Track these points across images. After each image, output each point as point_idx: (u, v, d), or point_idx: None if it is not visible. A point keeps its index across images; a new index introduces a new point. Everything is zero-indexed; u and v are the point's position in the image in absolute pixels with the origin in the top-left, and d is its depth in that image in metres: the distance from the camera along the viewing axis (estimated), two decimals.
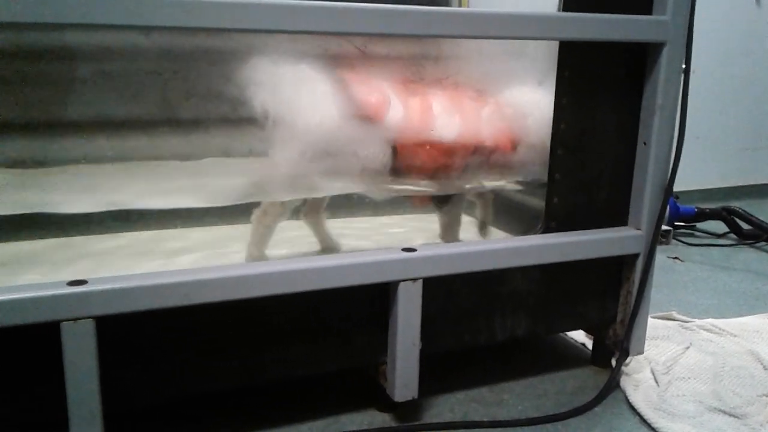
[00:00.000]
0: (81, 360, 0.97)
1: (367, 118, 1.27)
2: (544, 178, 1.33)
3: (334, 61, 1.25)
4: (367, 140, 1.28)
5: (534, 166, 1.41)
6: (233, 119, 1.20)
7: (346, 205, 1.55)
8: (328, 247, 1.55)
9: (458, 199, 1.52)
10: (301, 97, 1.23)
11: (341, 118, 1.25)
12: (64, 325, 0.95)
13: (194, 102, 1.18)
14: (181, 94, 1.17)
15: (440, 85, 1.35)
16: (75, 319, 0.96)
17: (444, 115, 1.32)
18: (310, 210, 1.53)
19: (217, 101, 1.19)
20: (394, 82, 1.31)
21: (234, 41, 1.18)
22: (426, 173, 1.36)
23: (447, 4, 1.95)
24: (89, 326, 0.96)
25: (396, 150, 1.31)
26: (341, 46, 1.24)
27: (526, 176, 1.44)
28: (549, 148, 1.31)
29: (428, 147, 1.32)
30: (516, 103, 1.41)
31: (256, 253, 1.40)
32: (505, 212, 1.60)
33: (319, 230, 1.55)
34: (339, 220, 1.62)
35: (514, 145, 1.40)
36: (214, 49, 1.17)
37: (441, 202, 1.51)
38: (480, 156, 1.38)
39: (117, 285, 0.98)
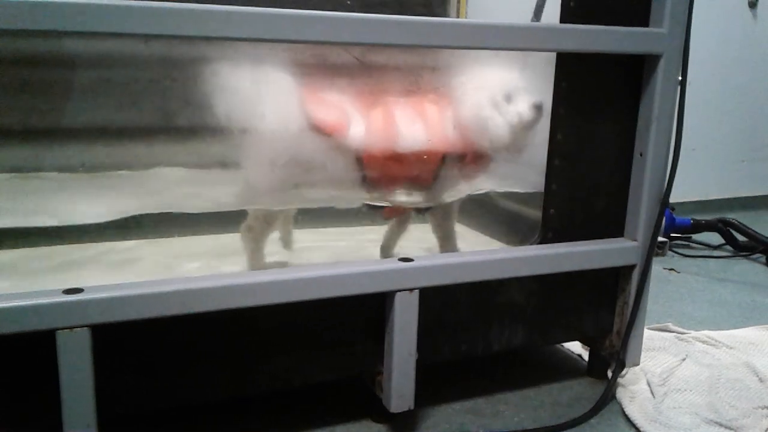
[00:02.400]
0: (76, 368, 0.96)
1: (328, 136, 1.24)
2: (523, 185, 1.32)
3: (301, 76, 1.23)
4: (331, 155, 1.25)
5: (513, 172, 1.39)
6: (207, 128, 1.19)
7: (318, 216, 1.54)
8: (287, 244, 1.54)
9: (448, 207, 1.48)
10: (265, 109, 1.21)
11: (302, 135, 1.23)
12: (59, 334, 0.95)
13: (191, 110, 1.18)
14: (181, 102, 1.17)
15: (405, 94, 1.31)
16: (71, 328, 0.95)
17: (407, 124, 1.29)
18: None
19: (201, 110, 1.17)
20: (354, 96, 1.28)
21: (202, 49, 1.17)
22: (397, 183, 1.34)
23: (445, 15, 1.96)
24: (85, 335, 0.96)
25: (362, 162, 1.28)
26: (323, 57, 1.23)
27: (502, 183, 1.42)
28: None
29: (395, 157, 1.29)
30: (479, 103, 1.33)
31: (255, 267, 1.40)
32: (502, 222, 1.60)
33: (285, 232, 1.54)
34: (310, 230, 1.61)
35: (481, 150, 1.34)
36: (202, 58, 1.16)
37: (424, 212, 1.47)
38: (453, 162, 1.34)
39: (113, 293, 0.98)
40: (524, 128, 1.30)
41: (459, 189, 1.41)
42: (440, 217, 1.49)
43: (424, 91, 1.33)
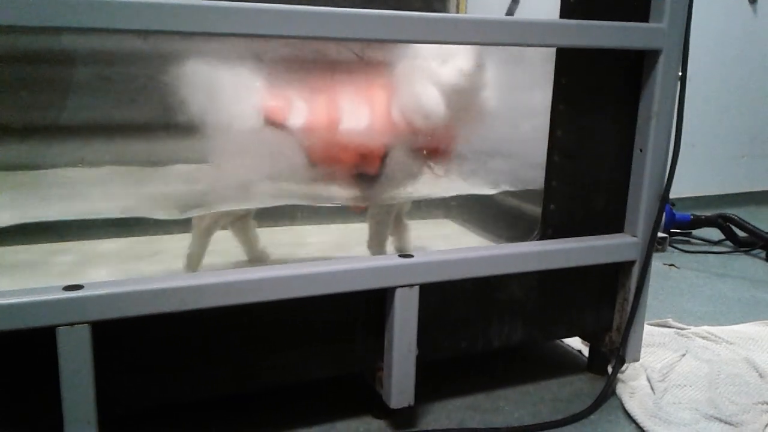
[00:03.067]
0: (76, 365, 0.96)
1: (270, 121, 1.23)
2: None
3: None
4: (279, 146, 1.23)
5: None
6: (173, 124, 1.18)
7: (281, 214, 1.52)
8: (255, 258, 1.51)
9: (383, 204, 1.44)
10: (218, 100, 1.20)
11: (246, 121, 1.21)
12: (59, 330, 0.95)
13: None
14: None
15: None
16: (71, 324, 0.95)
17: (350, 111, 1.25)
18: (235, 218, 1.48)
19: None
20: (300, 86, 1.25)
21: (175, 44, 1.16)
22: (342, 173, 1.30)
23: (444, 10, 1.96)
24: (85, 331, 0.96)
25: (307, 153, 1.26)
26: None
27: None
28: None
29: (340, 146, 1.26)
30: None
31: (194, 262, 1.38)
32: (501, 218, 1.60)
33: (246, 239, 1.51)
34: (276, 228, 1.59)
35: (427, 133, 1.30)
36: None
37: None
38: (405, 153, 1.31)
39: (113, 290, 0.98)
40: (469, 81, 1.26)
41: (416, 182, 1.36)
42: (377, 213, 1.45)
43: (370, 79, 1.30)
